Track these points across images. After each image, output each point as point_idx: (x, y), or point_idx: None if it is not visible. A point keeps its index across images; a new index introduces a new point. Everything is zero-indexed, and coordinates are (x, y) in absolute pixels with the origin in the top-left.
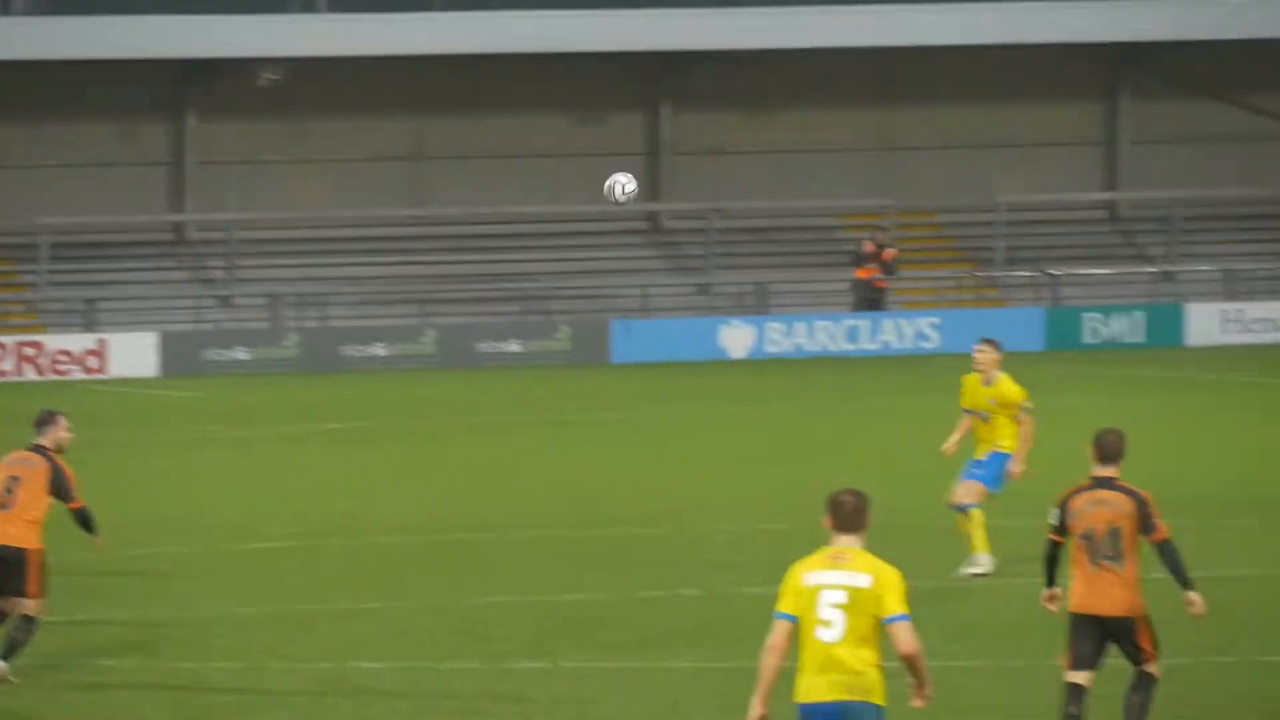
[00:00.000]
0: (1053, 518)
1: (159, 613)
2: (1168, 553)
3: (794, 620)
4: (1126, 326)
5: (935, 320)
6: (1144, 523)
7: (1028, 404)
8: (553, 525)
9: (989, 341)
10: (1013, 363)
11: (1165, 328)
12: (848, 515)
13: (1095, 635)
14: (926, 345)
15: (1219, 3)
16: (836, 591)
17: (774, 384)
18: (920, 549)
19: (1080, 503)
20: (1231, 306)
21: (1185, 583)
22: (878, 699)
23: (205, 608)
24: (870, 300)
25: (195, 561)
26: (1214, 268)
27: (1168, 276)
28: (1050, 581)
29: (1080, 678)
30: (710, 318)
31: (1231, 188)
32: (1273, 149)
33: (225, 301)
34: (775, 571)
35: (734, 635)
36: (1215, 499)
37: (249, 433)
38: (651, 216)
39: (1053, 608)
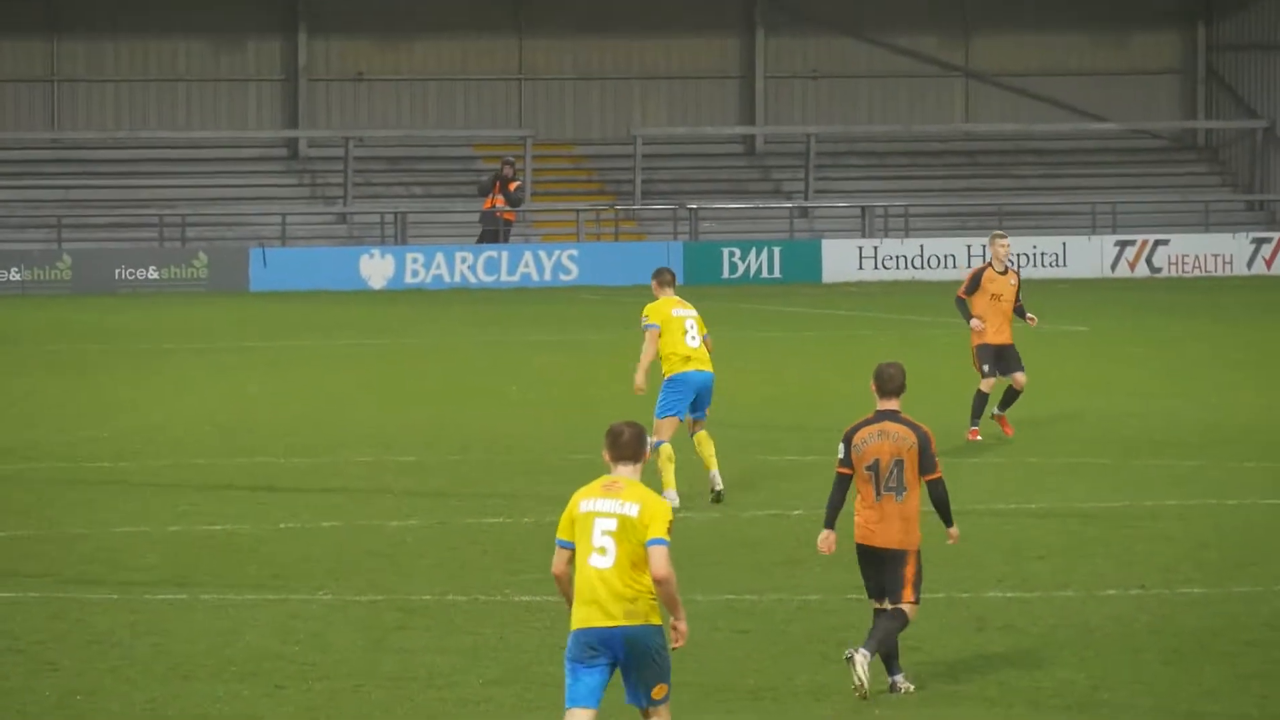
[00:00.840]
0: (839, 451)
1: None
2: (938, 490)
3: (572, 547)
4: (764, 262)
5: (574, 253)
6: (924, 460)
7: (647, 321)
8: (192, 454)
9: (656, 271)
10: (647, 296)
11: (802, 264)
12: (624, 445)
13: (873, 568)
14: (566, 278)
15: None
16: (608, 519)
17: (414, 315)
18: (560, 486)
19: (865, 435)
20: (867, 243)
21: (948, 520)
22: (656, 620)
23: None
24: (496, 232)
25: None
26: (850, 204)
27: (804, 213)
28: (830, 522)
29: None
30: (350, 247)
31: (866, 124)
32: (906, 86)
33: None
34: (414, 503)
35: (374, 567)
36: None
37: None
38: (290, 143)
39: (827, 551)
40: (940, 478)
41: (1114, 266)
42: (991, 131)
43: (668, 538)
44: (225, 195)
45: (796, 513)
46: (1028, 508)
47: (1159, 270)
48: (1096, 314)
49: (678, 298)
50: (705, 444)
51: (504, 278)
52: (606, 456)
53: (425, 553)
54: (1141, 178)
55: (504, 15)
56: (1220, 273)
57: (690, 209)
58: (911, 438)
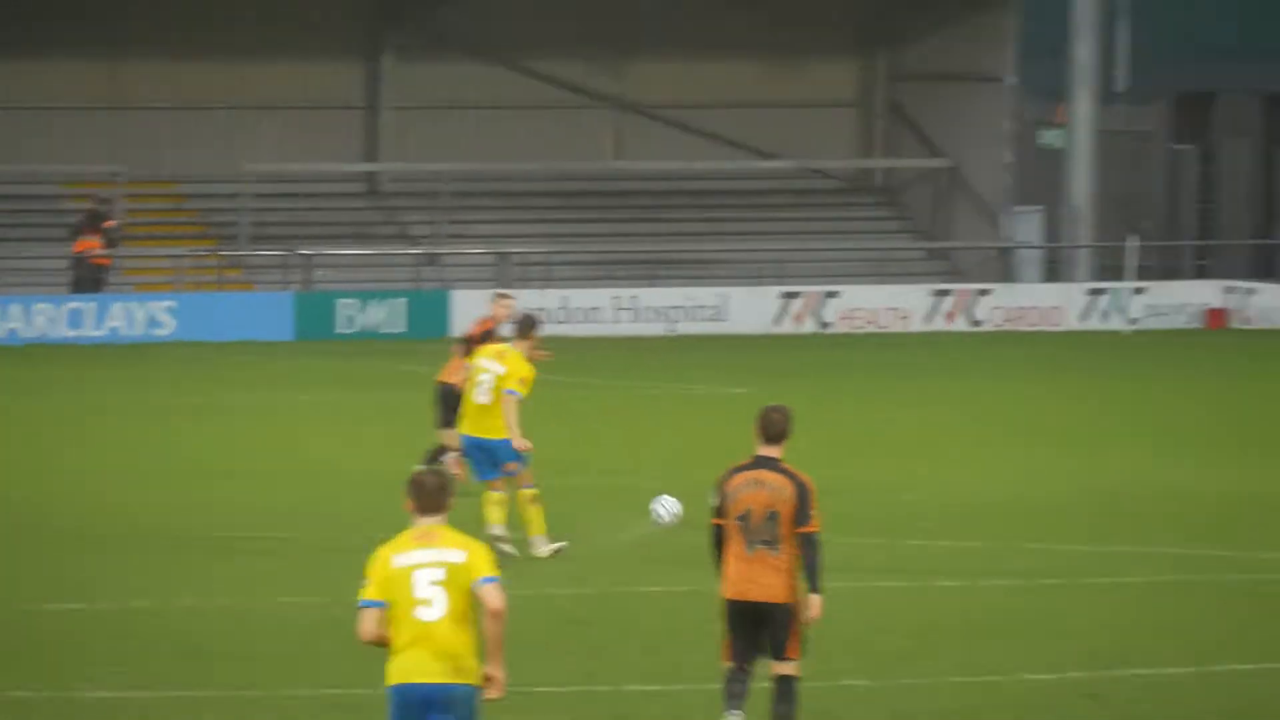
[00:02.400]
0: (712, 499)
1: None
2: (810, 547)
3: (383, 606)
4: (386, 315)
5: (171, 304)
6: (800, 512)
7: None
8: None
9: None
10: (262, 353)
11: (429, 316)
12: (431, 495)
13: (750, 625)
14: (161, 332)
15: None
16: (433, 569)
17: None
18: (163, 561)
19: (738, 483)
20: None
21: (814, 585)
22: (477, 681)
23: None
24: (90, 279)
25: None
26: (484, 250)
27: (433, 260)
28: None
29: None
30: None
31: (504, 161)
32: (550, 118)
33: None
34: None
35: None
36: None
37: None
38: None
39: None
40: (815, 533)
41: (779, 321)
42: (646, 170)
43: (498, 575)
44: None
45: None
46: (675, 590)
47: (829, 325)
48: (759, 374)
49: (505, 348)
50: (524, 506)
51: (90, 332)
52: (410, 507)
53: None
54: (812, 222)
55: (93, 35)
56: (896, 328)
57: (303, 255)
58: (790, 489)
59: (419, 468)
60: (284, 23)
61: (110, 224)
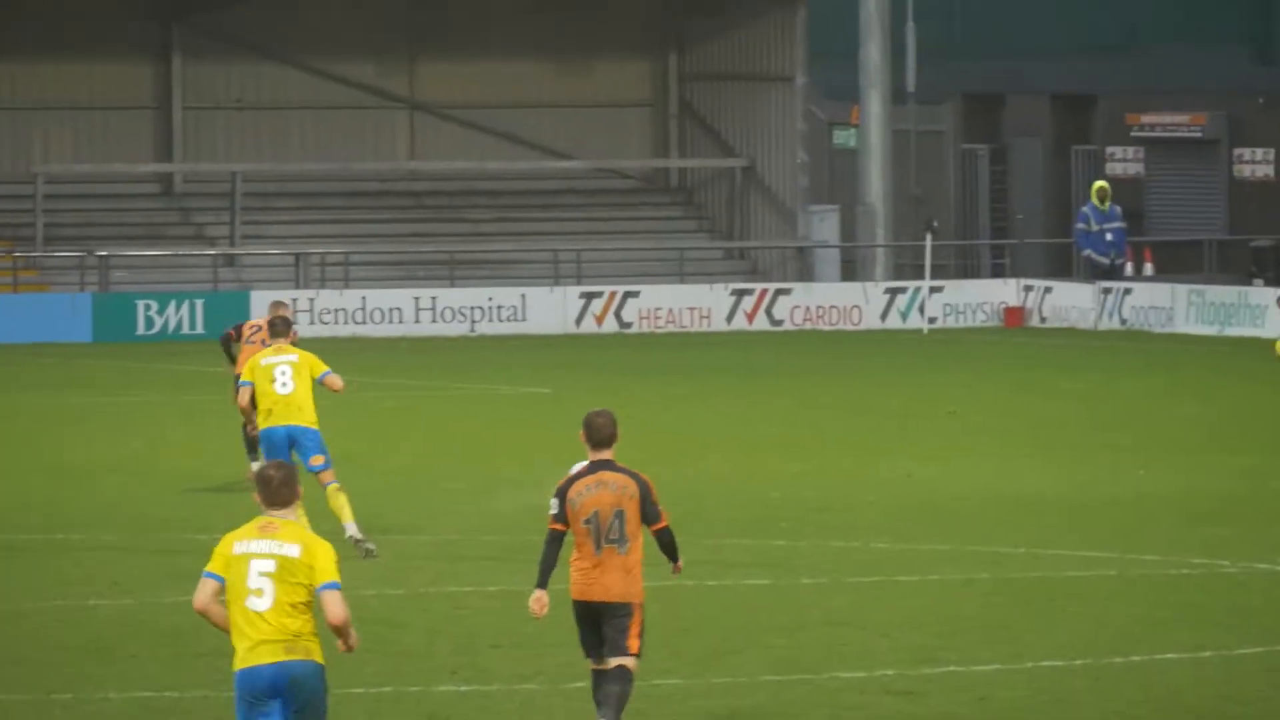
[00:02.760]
0: (553, 506)
1: None
2: (665, 537)
3: (221, 581)
4: (185, 316)
5: None
6: (646, 509)
7: (240, 379)
8: None
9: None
10: (59, 355)
11: (228, 317)
12: (274, 490)
13: (593, 624)
14: None
15: None
16: (265, 560)
17: None
18: None
19: (580, 488)
20: (302, 295)
21: (676, 557)
22: (319, 658)
23: None
24: None
25: None
26: (282, 251)
27: (230, 261)
28: (543, 582)
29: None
30: None
31: (300, 161)
32: (344, 118)
33: None
34: None
35: None
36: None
37: None
38: None
39: (540, 611)
40: (666, 526)
41: (579, 321)
42: (440, 170)
43: (339, 579)
44: None
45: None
46: (486, 590)
47: (629, 325)
48: (560, 375)
49: (279, 344)
50: (332, 498)
51: None
52: (258, 499)
53: None
54: (609, 222)
55: None
56: (697, 327)
57: (100, 256)
58: (633, 486)
59: (255, 465)
60: (73, 22)
61: None
